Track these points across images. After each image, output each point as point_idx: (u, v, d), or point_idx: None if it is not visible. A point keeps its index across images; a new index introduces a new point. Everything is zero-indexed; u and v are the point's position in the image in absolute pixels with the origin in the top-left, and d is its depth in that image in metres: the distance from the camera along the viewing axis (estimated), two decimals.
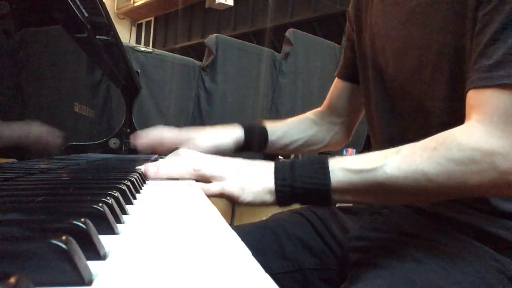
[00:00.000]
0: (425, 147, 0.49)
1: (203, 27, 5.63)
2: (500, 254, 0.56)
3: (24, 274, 0.15)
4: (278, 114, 2.47)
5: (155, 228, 0.31)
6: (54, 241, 0.18)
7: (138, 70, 1.22)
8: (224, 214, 0.43)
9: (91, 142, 1.06)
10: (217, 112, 2.25)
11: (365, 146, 2.72)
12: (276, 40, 3.94)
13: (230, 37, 2.43)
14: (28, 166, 0.65)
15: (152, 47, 5.54)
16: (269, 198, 0.54)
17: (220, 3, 4.49)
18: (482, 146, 0.47)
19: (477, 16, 0.51)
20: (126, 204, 0.37)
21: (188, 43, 5.74)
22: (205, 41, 2.27)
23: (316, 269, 0.71)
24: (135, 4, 6.10)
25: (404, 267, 0.55)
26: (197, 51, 4.74)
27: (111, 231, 0.27)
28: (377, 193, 0.52)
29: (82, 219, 0.22)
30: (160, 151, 0.84)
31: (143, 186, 0.53)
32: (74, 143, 1.00)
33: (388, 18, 0.67)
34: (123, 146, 1.08)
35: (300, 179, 0.52)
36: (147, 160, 0.71)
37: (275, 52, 2.52)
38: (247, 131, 0.82)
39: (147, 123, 1.98)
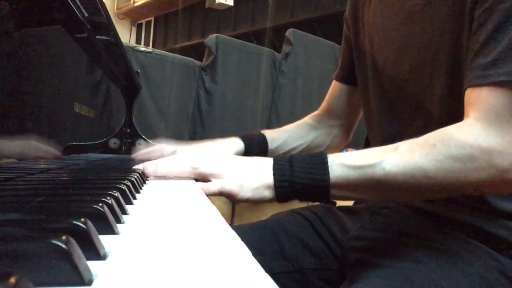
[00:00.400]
0: (424, 144, 0.49)
1: (203, 27, 5.64)
2: (500, 254, 0.56)
3: (24, 274, 0.15)
4: (278, 114, 2.47)
5: (155, 228, 0.31)
6: (54, 241, 0.18)
7: (138, 70, 1.22)
8: (224, 214, 0.43)
9: (91, 142, 1.06)
10: (217, 112, 2.25)
11: (365, 146, 2.71)
12: (276, 40, 3.94)
13: (230, 37, 2.43)
14: (28, 166, 0.65)
15: (152, 47, 5.53)
16: (268, 194, 0.54)
17: (220, 3, 4.49)
18: (480, 144, 0.47)
19: (474, 15, 0.51)
20: (126, 204, 0.37)
21: (188, 43, 5.75)
22: (205, 41, 2.26)
23: (316, 269, 0.71)
24: (135, 4, 6.11)
25: (403, 267, 0.55)
26: (197, 51, 4.74)
27: (111, 231, 0.27)
28: (376, 189, 0.52)
29: (82, 219, 0.22)
30: None
31: (143, 186, 0.53)
32: (74, 143, 1.00)
33: (387, 18, 0.67)
34: (123, 146, 1.08)
35: (299, 174, 0.52)
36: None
37: (275, 52, 2.51)
38: (247, 143, 0.83)
39: (147, 123, 1.98)
